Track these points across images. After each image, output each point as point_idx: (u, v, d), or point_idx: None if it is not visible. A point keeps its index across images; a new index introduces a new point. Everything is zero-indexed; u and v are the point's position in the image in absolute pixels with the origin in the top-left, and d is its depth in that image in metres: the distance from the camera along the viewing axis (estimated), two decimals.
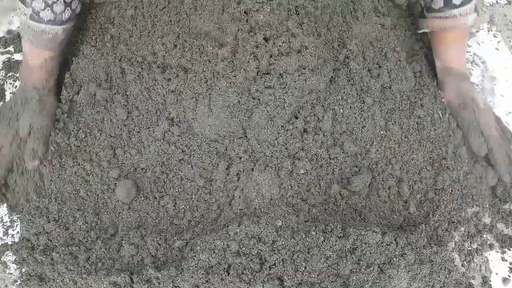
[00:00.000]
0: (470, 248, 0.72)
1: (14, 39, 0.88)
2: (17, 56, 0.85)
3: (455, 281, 0.68)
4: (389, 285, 0.65)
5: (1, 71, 0.84)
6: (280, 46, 0.65)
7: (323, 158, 0.72)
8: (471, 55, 0.89)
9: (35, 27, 0.70)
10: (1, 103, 0.80)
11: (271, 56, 0.65)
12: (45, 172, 0.70)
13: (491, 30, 0.91)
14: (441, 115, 0.77)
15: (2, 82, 0.83)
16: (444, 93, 0.80)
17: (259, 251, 0.66)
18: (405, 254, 0.66)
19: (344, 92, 0.73)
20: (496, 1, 0.94)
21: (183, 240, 0.68)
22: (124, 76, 0.74)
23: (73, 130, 0.72)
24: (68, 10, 0.71)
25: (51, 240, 0.68)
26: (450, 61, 0.81)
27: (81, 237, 0.68)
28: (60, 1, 0.70)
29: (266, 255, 0.65)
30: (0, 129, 0.73)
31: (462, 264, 0.71)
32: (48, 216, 0.69)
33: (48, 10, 0.69)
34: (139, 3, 0.77)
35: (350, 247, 0.66)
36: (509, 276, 0.72)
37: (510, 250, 0.73)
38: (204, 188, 0.71)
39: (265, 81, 0.67)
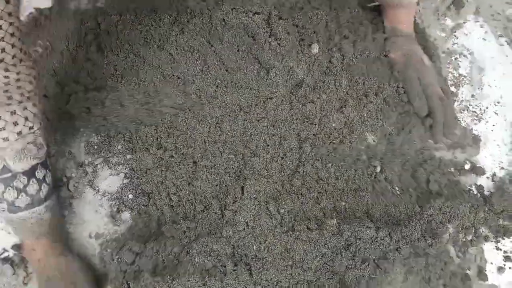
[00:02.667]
0: (464, 240, 0.72)
1: None
2: None
3: (451, 272, 0.69)
4: (385, 279, 0.65)
5: None
6: None
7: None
8: (458, 47, 0.89)
9: (16, 218, 0.63)
10: None
11: None
12: None
13: (478, 21, 0.91)
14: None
15: None
16: (391, 52, 0.82)
17: (253, 251, 0.66)
18: (400, 248, 0.67)
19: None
20: None
21: (180, 245, 0.67)
22: None
23: None
24: (44, 187, 0.64)
25: None
26: (398, 21, 0.83)
27: None
28: (33, 182, 0.63)
29: (260, 256, 0.66)
30: None
31: (457, 256, 0.71)
32: None
33: (22, 195, 0.62)
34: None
35: (345, 244, 0.67)
36: (504, 265, 0.72)
37: (504, 239, 0.74)
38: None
39: None
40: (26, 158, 0.61)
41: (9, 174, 0.61)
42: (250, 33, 0.70)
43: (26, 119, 0.60)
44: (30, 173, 0.62)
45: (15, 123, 0.59)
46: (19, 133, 0.59)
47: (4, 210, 0.63)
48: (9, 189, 0.61)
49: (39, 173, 0.63)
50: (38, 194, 0.64)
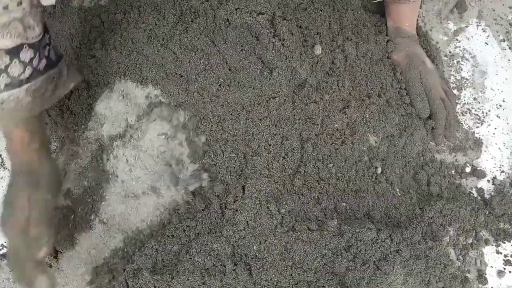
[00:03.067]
0: (465, 243, 0.72)
1: None
2: None
3: (450, 275, 0.69)
4: (385, 281, 0.65)
5: None
6: None
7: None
8: (460, 50, 0.89)
9: None
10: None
11: None
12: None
13: (480, 25, 0.91)
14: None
15: None
16: (393, 53, 0.82)
17: (253, 251, 0.66)
18: (400, 250, 0.67)
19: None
20: None
21: (179, 244, 0.67)
22: None
23: None
24: (28, 69, 0.59)
25: None
26: (401, 21, 0.83)
27: None
28: (15, 62, 0.57)
29: (260, 255, 0.65)
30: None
31: (457, 258, 0.71)
32: None
33: (3, 76, 0.57)
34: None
35: (345, 245, 0.67)
36: (504, 269, 0.72)
37: (504, 243, 0.74)
38: None
39: None
40: (9, 35, 0.55)
41: None
42: (254, 33, 0.70)
43: None
44: (13, 52, 0.56)
45: None
46: (5, 8, 0.53)
47: None
48: None
49: (24, 55, 0.58)
50: (20, 76, 0.58)
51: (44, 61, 0.61)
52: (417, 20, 0.89)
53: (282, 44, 0.70)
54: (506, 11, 0.93)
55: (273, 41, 0.69)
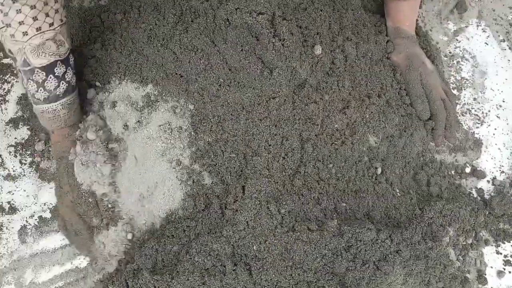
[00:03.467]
0: (464, 243, 0.72)
1: None
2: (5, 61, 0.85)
3: (450, 275, 0.69)
4: (385, 281, 0.65)
5: None
6: None
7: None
8: (460, 50, 0.89)
9: (37, 109, 0.69)
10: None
11: None
12: None
13: (480, 25, 0.91)
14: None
15: None
16: (393, 54, 0.82)
17: (253, 251, 0.66)
18: (400, 250, 0.67)
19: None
20: None
21: (179, 244, 0.67)
22: None
23: None
24: (62, 84, 0.67)
25: None
26: (400, 20, 0.82)
27: None
28: (51, 78, 0.65)
29: (260, 256, 0.65)
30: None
31: (457, 259, 0.71)
32: None
33: (41, 90, 0.65)
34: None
35: (345, 245, 0.67)
36: (504, 269, 0.72)
37: (504, 243, 0.74)
38: None
39: None
40: (44, 54, 0.62)
41: (29, 68, 0.63)
42: (254, 33, 0.70)
43: (47, 15, 0.60)
44: (48, 69, 0.64)
45: (35, 18, 0.59)
46: (39, 29, 0.60)
47: (31, 101, 0.69)
48: (30, 82, 0.65)
49: (58, 70, 0.65)
50: (56, 91, 0.66)
51: (74, 75, 0.69)
52: (417, 20, 0.89)
53: (282, 44, 0.70)
54: (506, 11, 0.93)
55: (273, 41, 0.69)
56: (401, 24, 0.82)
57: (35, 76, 0.64)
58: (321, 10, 0.76)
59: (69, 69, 0.67)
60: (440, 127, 0.77)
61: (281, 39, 0.70)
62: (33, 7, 0.58)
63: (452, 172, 0.78)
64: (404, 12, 0.82)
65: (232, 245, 0.66)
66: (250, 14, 0.69)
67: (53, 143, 0.74)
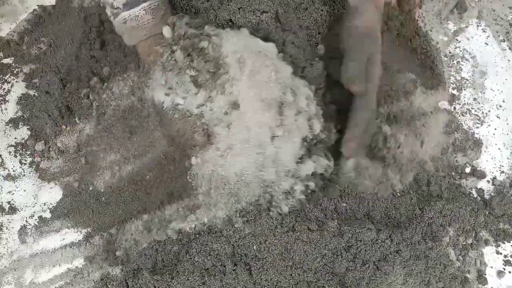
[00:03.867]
0: (464, 243, 0.72)
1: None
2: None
3: (450, 275, 0.69)
4: (385, 281, 0.65)
5: None
6: None
7: None
8: (460, 50, 0.89)
9: (118, 21, 0.63)
10: None
11: None
12: None
13: (480, 25, 0.91)
14: None
15: None
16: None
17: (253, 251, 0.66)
18: (400, 250, 0.67)
19: None
20: None
21: (179, 244, 0.67)
22: None
23: None
24: None
25: None
26: None
27: None
28: None
29: (260, 256, 0.65)
30: None
31: (457, 259, 0.71)
32: None
33: None
34: None
35: (345, 245, 0.67)
36: (504, 269, 0.72)
37: (504, 243, 0.74)
38: None
39: None
40: None
41: None
42: (261, 33, 0.69)
43: None
44: None
45: None
46: None
47: (111, 17, 0.64)
48: None
49: None
50: None
51: None
52: (417, 20, 0.89)
53: (296, 37, 0.69)
54: (506, 11, 0.93)
55: (284, 35, 0.69)
56: None
57: None
58: (321, 10, 0.76)
59: None
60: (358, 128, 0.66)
61: (293, 32, 0.69)
62: None
63: (452, 172, 0.78)
64: None
65: (232, 245, 0.66)
66: (253, 13, 0.69)
67: (143, 56, 0.68)
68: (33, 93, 0.81)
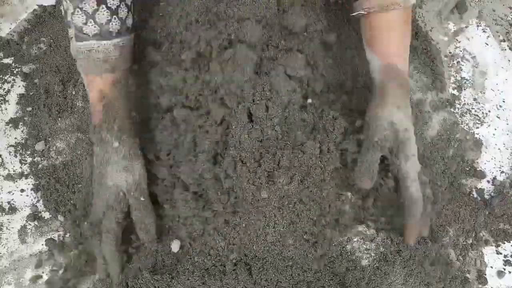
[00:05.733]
0: (465, 243, 0.72)
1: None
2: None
3: (450, 275, 0.69)
4: (385, 281, 0.65)
5: None
6: None
7: None
8: (460, 51, 0.89)
9: (82, 47, 0.60)
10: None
11: None
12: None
13: (480, 25, 0.91)
14: None
15: None
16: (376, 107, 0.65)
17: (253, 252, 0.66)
18: (400, 250, 0.67)
19: None
20: None
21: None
22: None
23: None
24: (115, 20, 0.60)
25: None
26: (391, 55, 0.65)
27: None
28: (102, 8, 0.58)
29: (260, 255, 0.65)
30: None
31: (457, 259, 0.71)
32: None
33: (91, 23, 0.59)
34: None
35: (346, 244, 0.67)
36: (504, 269, 0.72)
37: (504, 243, 0.74)
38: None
39: None
40: None
41: None
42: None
43: None
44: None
45: None
46: None
47: (72, 38, 0.61)
48: (77, 11, 0.58)
49: (112, 3, 0.59)
50: (107, 26, 0.60)
51: (130, 19, 0.63)
52: (417, 21, 0.89)
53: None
54: (506, 11, 0.93)
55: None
56: (393, 60, 0.65)
57: (84, 3, 0.57)
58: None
59: (123, 4, 0.60)
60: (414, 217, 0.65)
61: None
62: None
63: (452, 172, 0.78)
64: (394, 43, 0.65)
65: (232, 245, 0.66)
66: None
67: (91, 108, 0.64)
68: (33, 93, 0.81)
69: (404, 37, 0.66)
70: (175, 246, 0.67)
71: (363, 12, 0.65)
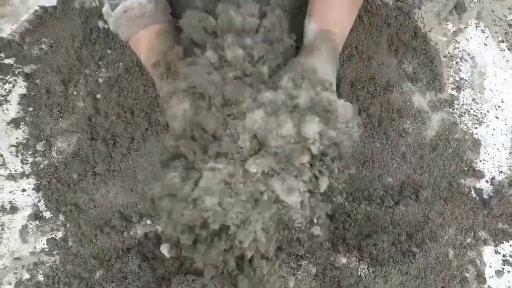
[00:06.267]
0: (463, 243, 0.72)
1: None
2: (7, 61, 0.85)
3: (449, 275, 0.69)
4: (384, 281, 0.65)
5: None
6: None
7: None
8: (459, 51, 0.89)
9: (118, 12, 0.61)
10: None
11: None
12: None
13: (479, 26, 0.92)
14: None
15: None
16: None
17: None
18: (400, 250, 0.67)
19: None
20: None
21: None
22: None
23: None
24: None
25: None
26: (327, 21, 0.63)
27: None
28: None
29: None
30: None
31: (456, 258, 0.71)
32: None
33: None
34: None
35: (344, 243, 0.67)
36: (503, 269, 0.72)
37: (503, 243, 0.74)
38: None
39: None
40: None
41: None
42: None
43: None
44: None
45: None
46: None
47: (109, 14, 0.62)
48: None
49: None
50: None
51: None
52: (417, 21, 0.89)
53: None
54: (505, 12, 0.93)
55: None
56: (331, 27, 0.63)
57: None
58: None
59: None
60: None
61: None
62: None
63: (451, 172, 0.79)
64: (335, 8, 0.64)
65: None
66: None
67: (145, 59, 0.63)
68: (34, 93, 0.81)
69: (347, 7, 0.65)
70: (164, 249, 0.67)
71: None
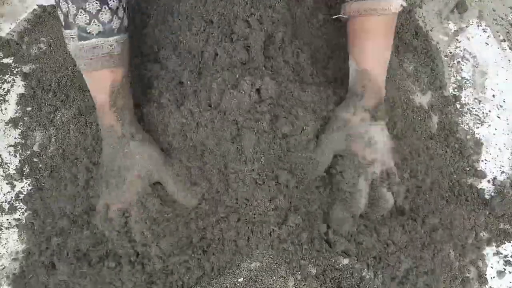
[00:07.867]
0: (465, 243, 0.72)
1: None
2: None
3: (451, 276, 0.69)
4: (383, 281, 0.65)
5: None
6: None
7: None
8: (461, 50, 0.89)
9: (86, 46, 0.63)
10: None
11: None
12: None
13: (481, 25, 0.91)
14: None
15: None
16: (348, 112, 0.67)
17: None
18: (400, 250, 0.67)
19: None
20: None
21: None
22: None
23: None
24: (116, 18, 0.63)
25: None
26: (367, 62, 0.66)
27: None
28: (105, 8, 0.62)
29: None
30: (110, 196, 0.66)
31: (457, 259, 0.71)
32: None
33: (94, 22, 0.62)
34: None
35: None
36: (504, 269, 0.72)
37: (504, 243, 0.74)
38: None
39: None
40: None
41: None
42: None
43: None
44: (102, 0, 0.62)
45: None
46: None
47: (74, 38, 0.63)
48: (81, 12, 0.61)
49: (112, 3, 0.63)
50: (110, 24, 0.63)
51: (126, 19, 0.66)
52: (418, 21, 0.89)
53: None
54: (507, 11, 0.93)
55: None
56: (368, 67, 0.66)
57: (88, 4, 0.60)
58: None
59: (120, 6, 0.64)
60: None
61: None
62: None
63: (453, 172, 0.78)
64: (370, 50, 0.66)
65: None
66: None
67: (97, 108, 0.67)
68: (32, 93, 0.81)
69: (383, 44, 0.67)
70: None
71: (344, 16, 0.67)
